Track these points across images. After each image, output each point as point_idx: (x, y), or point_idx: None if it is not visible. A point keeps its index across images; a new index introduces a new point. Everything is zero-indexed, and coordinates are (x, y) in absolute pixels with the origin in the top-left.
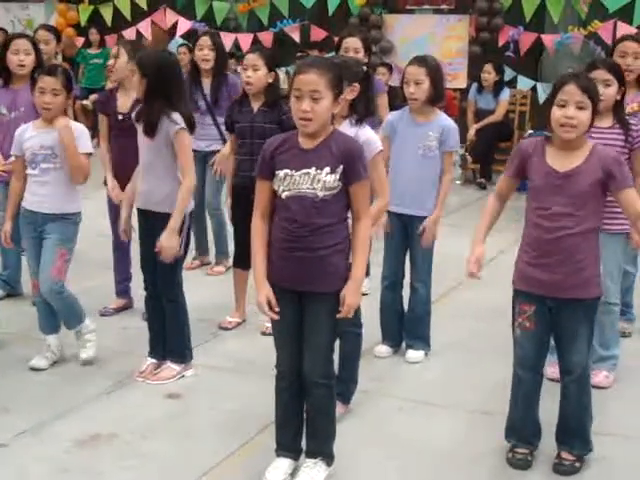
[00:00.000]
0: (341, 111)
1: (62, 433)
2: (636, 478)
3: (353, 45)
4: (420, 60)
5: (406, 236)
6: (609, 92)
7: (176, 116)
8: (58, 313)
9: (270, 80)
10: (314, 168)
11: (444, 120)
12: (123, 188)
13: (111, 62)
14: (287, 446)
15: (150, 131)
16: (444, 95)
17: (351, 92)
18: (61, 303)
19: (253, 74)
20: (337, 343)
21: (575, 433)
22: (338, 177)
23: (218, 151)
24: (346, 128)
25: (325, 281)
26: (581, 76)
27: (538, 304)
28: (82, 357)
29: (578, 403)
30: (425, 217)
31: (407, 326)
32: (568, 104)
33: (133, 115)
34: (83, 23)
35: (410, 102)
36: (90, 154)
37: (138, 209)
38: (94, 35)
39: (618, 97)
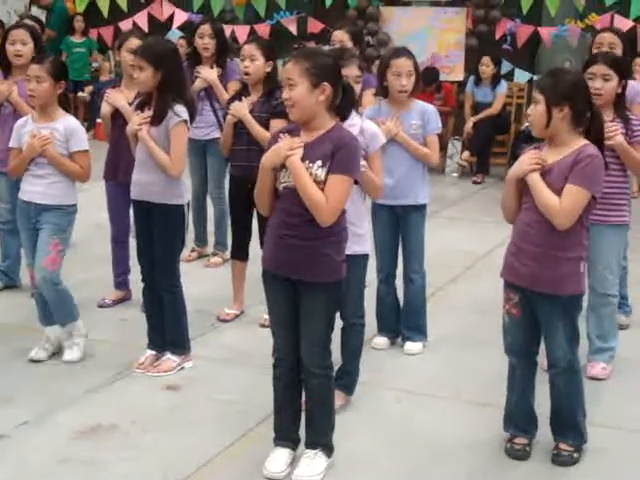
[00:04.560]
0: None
1: (63, 424)
2: (634, 470)
3: (339, 38)
4: (408, 52)
5: (397, 228)
6: (608, 87)
7: (180, 108)
8: (50, 305)
9: (268, 70)
10: (307, 161)
11: (423, 105)
12: (122, 180)
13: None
14: (285, 435)
15: (158, 121)
16: (421, 87)
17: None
18: (54, 295)
19: (251, 64)
20: (339, 335)
21: (568, 425)
22: (327, 171)
23: (217, 139)
24: (354, 117)
25: (317, 270)
26: (547, 72)
27: (521, 293)
28: (65, 358)
29: (567, 396)
30: (419, 205)
31: (404, 318)
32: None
33: (134, 105)
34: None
35: (400, 94)
36: (86, 151)
37: (135, 200)
38: (79, 23)
39: (619, 91)
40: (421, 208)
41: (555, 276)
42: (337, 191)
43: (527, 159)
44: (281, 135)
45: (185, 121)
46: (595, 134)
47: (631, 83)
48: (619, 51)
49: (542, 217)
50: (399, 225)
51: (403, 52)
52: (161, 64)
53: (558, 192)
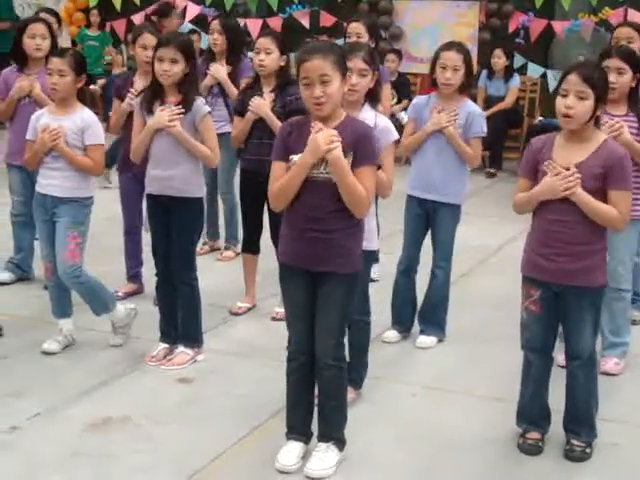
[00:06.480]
0: (359, 98)
1: (74, 417)
2: None
3: (355, 30)
4: (458, 46)
5: (426, 222)
6: (623, 80)
7: (202, 100)
8: (81, 298)
9: (282, 64)
10: None
11: (470, 106)
12: (137, 173)
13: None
14: (298, 429)
15: (188, 108)
16: (472, 84)
17: (372, 79)
18: (80, 287)
19: (266, 57)
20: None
21: (583, 420)
22: (350, 162)
23: (227, 133)
24: (367, 112)
25: (337, 262)
26: (587, 65)
27: (544, 289)
28: (110, 342)
29: (586, 388)
30: (450, 204)
31: (422, 311)
32: (569, 93)
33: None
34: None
35: (444, 87)
36: (101, 145)
37: (151, 194)
38: (95, 16)
39: (632, 85)
40: (453, 207)
41: (587, 269)
42: (370, 183)
43: (561, 182)
44: (315, 125)
45: (210, 112)
46: None
47: None
48: (637, 44)
49: (572, 216)
50: (428, 221)
51: (455, 46)
52: (190, 56)
53: (587, 189)
